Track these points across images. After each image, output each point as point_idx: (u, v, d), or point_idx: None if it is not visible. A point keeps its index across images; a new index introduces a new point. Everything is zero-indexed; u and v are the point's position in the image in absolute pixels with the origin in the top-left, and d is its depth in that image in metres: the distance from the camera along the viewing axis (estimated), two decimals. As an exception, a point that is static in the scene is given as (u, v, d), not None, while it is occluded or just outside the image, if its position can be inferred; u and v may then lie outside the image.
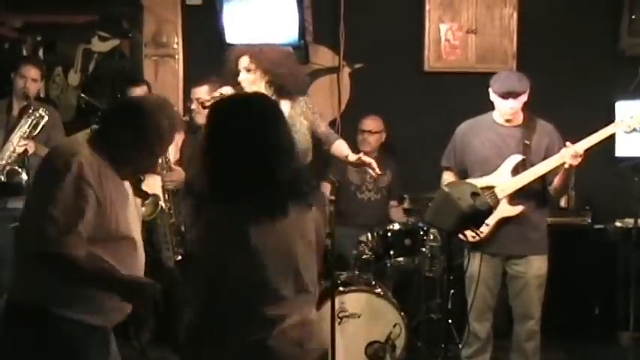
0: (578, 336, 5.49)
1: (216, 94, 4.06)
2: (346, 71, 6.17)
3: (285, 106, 4.21)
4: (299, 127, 4.19)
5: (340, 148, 4.35)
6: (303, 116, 4.23)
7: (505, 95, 4.24)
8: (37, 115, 5.21)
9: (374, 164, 4.22)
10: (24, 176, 5.16)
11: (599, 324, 5.70)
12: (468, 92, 5.91)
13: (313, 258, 2.54)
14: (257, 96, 2.90)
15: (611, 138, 4.36)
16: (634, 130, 4.14)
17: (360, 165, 4.31)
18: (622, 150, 5.60)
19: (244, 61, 4.13)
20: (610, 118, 5.63)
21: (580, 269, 5.57)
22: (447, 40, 6.09)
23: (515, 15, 6.05)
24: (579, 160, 4.04)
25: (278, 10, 5.46)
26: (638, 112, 4.20)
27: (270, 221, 2.38)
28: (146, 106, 2.87)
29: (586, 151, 4.07)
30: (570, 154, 4.04)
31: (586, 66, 6.08)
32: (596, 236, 5.80)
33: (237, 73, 4.13)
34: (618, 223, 5.77)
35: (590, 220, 5.84)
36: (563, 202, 5.71)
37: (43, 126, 5.24)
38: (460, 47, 6.09)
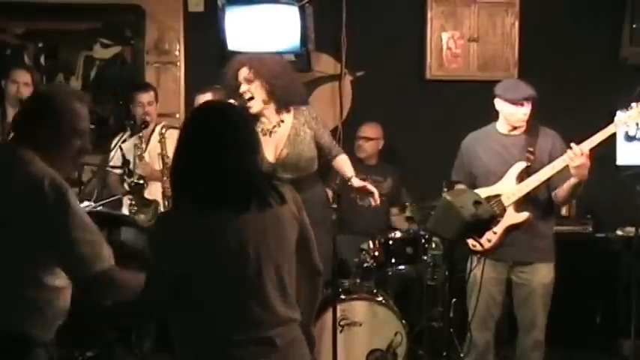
0: (579, 344, 5.48)
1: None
2: (348, 79, 6.17)
3: (287, 116, 4.21)
4: (303, 136, 4.19)
5: (342, 165, 4.33)
6: (307, 125, 4.23)
7: (522, 101, 4.25)
8: None
9: (376, 195, 4.21)
10: None
11: (600, 332, 5.70)
12: (470, 100, 5.94)
13: (287, 256, 2.53)
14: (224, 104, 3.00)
15: (612, 142, 4.35)
16: (637, 125, 4.13)
17: (362, 191, 4.30)
18: (623, 159, 5.61)
19: (244, 72, 4.12)
20: (611, 127, 5.67)
21: (582, 278, 5.56)
22: (449, 48, 6.09)
23: (516, 24, 6.06)
24: (584, 159, 4.01)
25: (280, 17, 5.47)
26: (634, 108, 4.19)
27: (232, 216, 2.41)
28: (53, 99, 2.83)
29: (590, 151, 4.05)
30: (574, 152, 4.02)
31: (587, 75, 6.10)
32: (597, 245, 5.80)
33: (237, 85, 4.12)
34: (620, 232, 5.77)
35: (591, 229, 5.85)
36: (564, 211, 5.71)
37: None
38: (462, 55, 6.10)
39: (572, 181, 4.13)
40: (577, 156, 4.01)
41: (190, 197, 2.44)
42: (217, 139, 2.45)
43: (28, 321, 2.66)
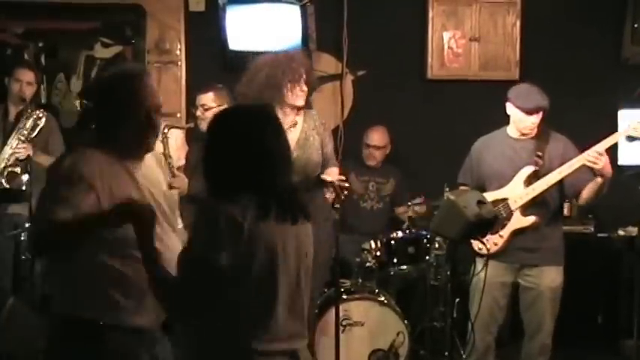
0: (581, 344, 5.46)
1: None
2: (349, 79, 6.16)
3: (299, 119, 4.21)
4: (312, 141, 4.19)
5: (330, 172, 4.31)
6: (316, 131, 4.24)
7: (532, 111, 4.23)
8: (35, 116, 5.22)
9: (343, 193, 4.16)
10: (24, 178, 5.15)
11: (602, 333, 5.70)
12: (471, 100, 5.95)
13: (307, 276, 2.47)
14: (259, 106, 2.87)
15: (615, 146, 4.36)
16: None
17: (330, 187, 4.25)
18: (625, 158, 5.60)
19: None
20: (613, 126, 5.66)
21: (583, 278, 5.54)
22: (450, 48, 6.08)
23: (518, 23, 6.05)
24: (606, 159, 4.03)
25: (281, 16, 5.46)
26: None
27: (268, 224, 2.33)
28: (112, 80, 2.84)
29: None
30: (595, 156, 4.03)
31: (589, 74, 6.10)
32: (599, 245, 5.80)
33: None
34: (621, 232, 5.77)
35: (593, 229, 5.85)
36: (566, 211, 5.69)
37: (40, 131, 5.23)
38: (463, 55, 6.09)
39: (599, 180, 4.14)
40: (598, 158, 4.02)
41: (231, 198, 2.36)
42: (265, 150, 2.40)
43: None
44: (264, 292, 2.33)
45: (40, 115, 5.25)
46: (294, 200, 2.43)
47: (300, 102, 4.16)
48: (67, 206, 2.55)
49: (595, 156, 4.03)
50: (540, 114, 4.26)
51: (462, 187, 4.50)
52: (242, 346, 2.34)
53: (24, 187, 5.16)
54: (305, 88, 4.14)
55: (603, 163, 4.04)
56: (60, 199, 2.57)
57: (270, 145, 2.41)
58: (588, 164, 4.06)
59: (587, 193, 4.24)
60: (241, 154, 2.37)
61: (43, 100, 6.18)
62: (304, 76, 4.13)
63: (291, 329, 2.39)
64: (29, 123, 5.22)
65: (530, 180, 4.27)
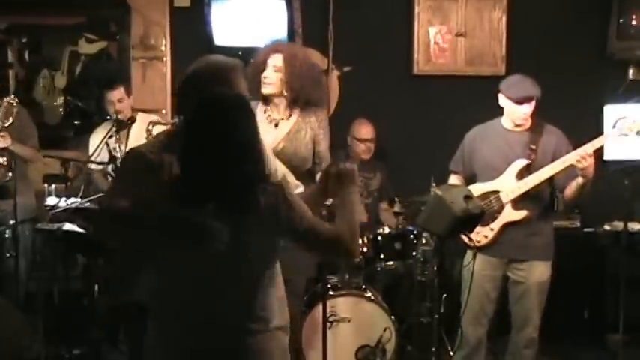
0: (567, 339, 5.48)
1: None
2: (335, 74, 6.15)
3: (295, 112, 4.18)
4: (303, 135, 4.16)
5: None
6: (310, 126, 4.20)
7: (522, 100, 4.24)
8: (7, 103, 5.16)
9: None
10: (10, 175, 5.10)
11: (588, 327, 5.72)
12: (457, 95, 5.95)
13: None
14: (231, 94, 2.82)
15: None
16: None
17: None
18: (610, 153, 5.61)
19: (276, 59, 4.09)
20: (599, 122, 5.69)
21: (569, 272, 5.55)
22: (436, 43, 6.08)
23: (504, 18, 6.06)
24: (591, 161, 4.05)
25: (267, 12, 5.45)
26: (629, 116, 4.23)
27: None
28: None
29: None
30: (582, 156, 4.04)
31: (575, 69, 6.11)
32: (585, 240, 5.82)
33: (262, 69, 4.09)
34: (607, 227, 5.79)
35: (579, 224, 5.87)
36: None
37: (13, 124, 5.17)
38: (449, 50, 6.09)
39: (580, 181, 4.15)
40: (584, 159, 4.03)
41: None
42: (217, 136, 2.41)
43: None
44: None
45: (12, 101, 5.18)
46: (243, 191, 2.40)
47: (266, 90, 4.10)
48: None
49: (583, 156, 4.04)
50: (532, 104, 4.26)
51: (451, 178, 4.51)
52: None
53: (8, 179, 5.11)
54: (272, 78, 4.09)
55: (587, 164, 4.05)
56: None
57: (231, 133, 2.40)
58: (575, 163, 4.08)
59: (569, 190, 4.25)
60: (204, 138, 2.39)
61: (27, 96, 6.14)
62: (270, 66, 4.08)
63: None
64: (1, 112, 5.15)
65: (523, 173, 4.27)
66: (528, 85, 4.28)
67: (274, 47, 4.20)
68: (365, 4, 6.12)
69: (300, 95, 4.11)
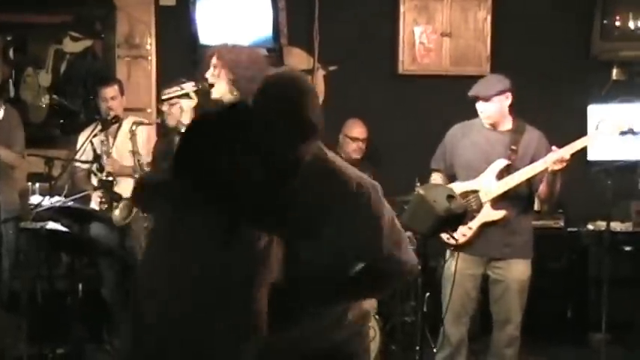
0: (550, 338, 5.51)
1: (177, 87, 4.04)
2: (320, 73, 6.15)
3: None
4: None
5: None
6: None
7: (472, 100, 4.28)
8: None
9: None
10: None
11: (571, 326, 5.75)
12: (442, 95, 5.96)
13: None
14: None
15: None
16: (623, 132, 4.18)
17: None
18: (594, 154, 5.63)
19: (213, 59, 4.09)
20: (582, 122, 5.71)
21: (553, 272, 5.61)
22: (422, 43, 6.10)
23: (489, 18, 6.08)
24: (563, 164, 4.06)
25: (252, 11, 5.45)
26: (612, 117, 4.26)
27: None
28: None
29: (572, 155, 4.08)
30: (555, 158, 4.06)
31: (559, 70, 6.14)
32: (568, 239, 5.86)
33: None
34: (590, 226, 5.83)
35: (562, 223, 5.90)
36: (536, 206, 5.72)
37: (2, 125, 5.16)
38: (434, 50, 6.10)
39: (549, 177, 4.16)
40: (560, 162, 4.05)
41: None
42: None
43: None
44: None
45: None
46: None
47: (213, 95, 4.09)
48: None
49: (559, 159, 4.06)
50: (487, 105, 4.27)
51: (433, 176, 4.52)
52: None
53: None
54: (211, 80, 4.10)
55: (560, 167, 4.08)
56: None
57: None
58: (552, 165, 4.09)
59: (542, 189, 4.27)
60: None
61: (12, 95, 6.12)
62: (212, 69, 4.09)
63: None
64: None
65: (503, 173, 4.28)
66: (481, 85, 4.32)
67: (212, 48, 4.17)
68: (350, 3, 6.12)
69: (245, 85, 4.05)
